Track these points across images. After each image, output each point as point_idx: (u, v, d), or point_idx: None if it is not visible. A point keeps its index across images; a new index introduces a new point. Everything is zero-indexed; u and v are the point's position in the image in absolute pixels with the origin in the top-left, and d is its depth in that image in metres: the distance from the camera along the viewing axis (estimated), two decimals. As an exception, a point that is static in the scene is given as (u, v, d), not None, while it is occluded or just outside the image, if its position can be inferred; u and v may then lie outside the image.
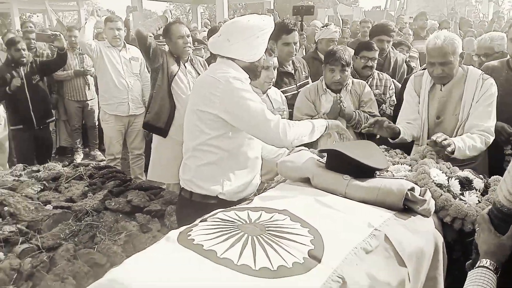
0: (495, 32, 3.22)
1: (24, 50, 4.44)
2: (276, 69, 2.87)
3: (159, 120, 3.43)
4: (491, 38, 3.21)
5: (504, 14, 11.69)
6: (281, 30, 3.13)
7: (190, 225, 1.32)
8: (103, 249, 2.27)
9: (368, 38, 4.53)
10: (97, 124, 5.62)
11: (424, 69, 2.70)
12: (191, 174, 1.99)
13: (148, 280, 1.02)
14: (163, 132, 3.44)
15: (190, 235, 1.21)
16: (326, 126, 2.07)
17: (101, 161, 5.21)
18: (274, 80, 2.58)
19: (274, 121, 1.89)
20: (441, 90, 2.50)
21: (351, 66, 2.97)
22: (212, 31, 4.43)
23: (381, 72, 3.41)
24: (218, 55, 2.03)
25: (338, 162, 1.70)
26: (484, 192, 1.89)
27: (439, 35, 2.39)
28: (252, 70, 2.00)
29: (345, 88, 2.92)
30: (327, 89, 2.90)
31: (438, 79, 2.47)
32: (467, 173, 2.00)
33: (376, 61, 3.31)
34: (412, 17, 7.75)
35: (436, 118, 2.52)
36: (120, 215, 2.66)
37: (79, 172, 3.20)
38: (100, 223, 2.50)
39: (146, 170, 4.94)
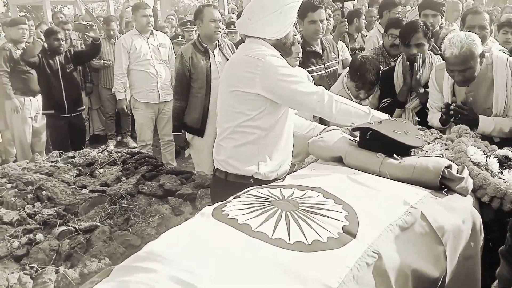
0: None
1: (62, 40, 4.58)
2: (299, 44, 2.84)
3: (195, 122, 3.47)
4: None
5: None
6: (306, 8, 3.04)
7: (224, 202, 1.33)
8: (137, 231, 2.32)
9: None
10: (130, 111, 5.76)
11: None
12: (227, 154, 1.99)
13: (184, 251, 1.04)
14: (200, 132, 3.49)
15: (224, 210, 1.22)
16: (388, 118, 2.04)
17: (133, 148, 5.33)
18: (300, 54, 2.52)
19: (318, 92, 1.88)
20: (468, 86, 2.39)
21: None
22: (241, 14, 4.42)
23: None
24: (246, 36, 2.02)
25: (372, 140, 1.67)
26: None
27: (454, 43, 2.23)
28: (281, 47, 1.97)
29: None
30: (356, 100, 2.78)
31: (461, 83, 2.38)
32: (506, 151, 1.93)
33: None
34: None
35: None
36: (153, 199, 2.71)
37: (112, 157, 3.28)
38: (134, 206, 2.55)
39: (176, 156, 5.05)
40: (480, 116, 2.34)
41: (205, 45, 3.39)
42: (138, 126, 4.68)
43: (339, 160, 1.70)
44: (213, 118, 3.23)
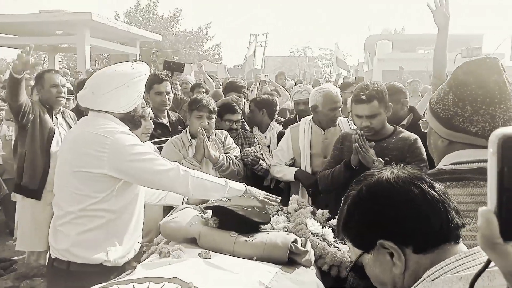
0: None
1: None
2: (151, 119, 2.84)
3: (32, 182, 3.02)
4: None
5: (348, 76, 13.52)
6: (152, 80, 3.10)
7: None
8: None
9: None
10: None
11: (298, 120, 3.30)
12: (69, 243, 1.74)
13: None
14: (37, 195, 3.04)
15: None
16: (244, 190, 2.05)
17: None
18: (151, 130, 2.48)
19: (173, 169, 1.81)
20: (322, 133, 2.99)
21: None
22: (81, 83, 4.13)
23: (245, 131, 3.54)
24: (88, 109, 1.88)
25: (224, 219, 1.68)
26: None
27: (331, 86, 3.07)
28: (130, 121, 1.89)
29: (210, 137, 2.88)
30: (192, 140, 2.83)
31: (333, 122, 2.98)
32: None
33: (240, 123, 3.37)
34: (267, 75, 8.54)
35: (323, 158, 2.93)
36: (-43, 299, 2.18)
37: None
38: None
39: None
40: None
41: (48, 106, 3.12)
42: None
43: (193, 241, 1.65)
44: (50, 186, 2.91)
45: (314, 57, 35.30)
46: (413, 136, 2.40)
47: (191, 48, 31.49)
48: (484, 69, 1.22)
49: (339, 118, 3.07)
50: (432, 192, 0.83)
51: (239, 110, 3.38)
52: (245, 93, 3.96)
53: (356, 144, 2.31)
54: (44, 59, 27.83)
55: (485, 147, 1.18)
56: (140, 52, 19.99)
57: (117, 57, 26.05)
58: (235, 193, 2.00)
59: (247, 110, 3.87)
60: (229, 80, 4.20)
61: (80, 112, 3.18)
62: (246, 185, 2.13)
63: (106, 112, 1.83)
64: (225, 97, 3.82)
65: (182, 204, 2.19)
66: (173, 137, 2.99)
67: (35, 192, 3.05)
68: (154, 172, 1.78)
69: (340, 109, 3.00)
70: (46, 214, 2.96)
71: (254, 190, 2.12)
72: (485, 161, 1.17)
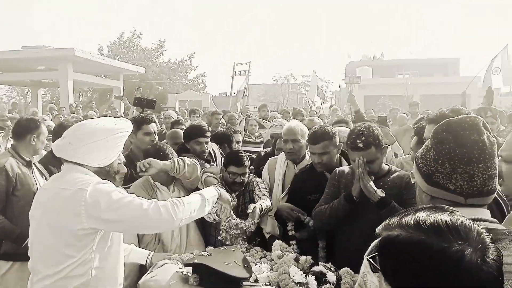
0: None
1: None
2: (156, 134, 3.24)
3: (21, 245, 2.89)
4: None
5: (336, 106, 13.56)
6: (142, 121, 3.24)
7: None
8: None
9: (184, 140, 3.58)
10: None
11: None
12: None
13: None
14: (27, 256, 2.95)
15: None
16: (218, 194, 2.02)
17: None
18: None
19: (151, 207, 1.73)
20: (294, 168, 3.00)
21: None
22: (59, 128, 4.00)
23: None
24: (62, 159, 1.83)
25: (205, 276, 1.67)
26: (337, 285, 2.05)
27: (293, 121, 3.14)
28: (104, 175, 1.84)
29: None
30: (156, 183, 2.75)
31: (289, 155, 2.99)
32: (321, 267, 2.16)
33: (246, 176, 2.92)
34: (256, 107, 8.65)
35: None
36: None
37: None
38: None
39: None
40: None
41: (29, 159, 3.05)
42: None
43: (173, 302, 1.63)
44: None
45: (297, 84, 35.83)
46: (408, 174, 2.40)
47: (176, 78, 31.70)
48: (463, 128, 1.23)
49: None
50: None
51: (246, 163, 2.88)
52: (209, 136, 3.49)
53: (360, 169, 2.27)
54: (27, 92, 27.65)
55: (463, 205, 1.20)
56: (124, 84, 20.04)
57: (101, 90, 26.08)
58: (213, 199, 1.98)
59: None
60: (191, 125, 3.72)
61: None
62: (218, 187, 2.13)
63: (81, 165, 1.79)
64: (186, 145, 3.40)
65: (146, 263, 2.14)
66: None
67: (25, 255, 2.96)
68: (134, 218, 1.71)
69: (298, 142, 2.95)
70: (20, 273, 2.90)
71: (227, 194, 2.13)
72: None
